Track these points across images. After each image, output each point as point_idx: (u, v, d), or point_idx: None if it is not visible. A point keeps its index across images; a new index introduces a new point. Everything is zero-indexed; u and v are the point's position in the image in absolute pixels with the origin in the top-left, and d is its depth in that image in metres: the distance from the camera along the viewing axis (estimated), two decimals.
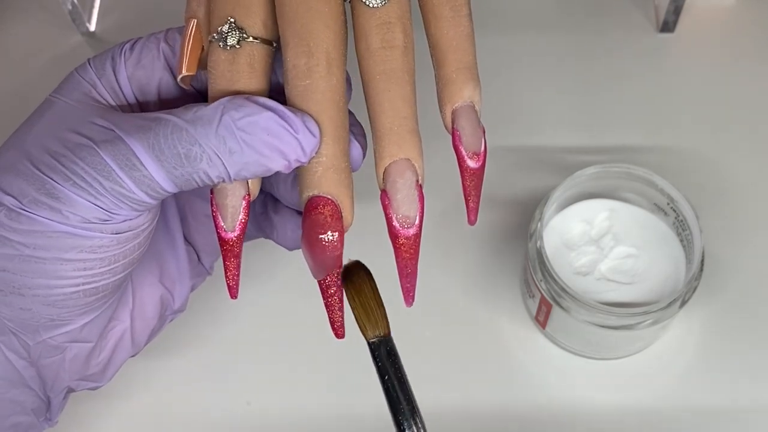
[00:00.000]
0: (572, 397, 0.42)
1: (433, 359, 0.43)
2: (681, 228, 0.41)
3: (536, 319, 0.42)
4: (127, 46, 0.29)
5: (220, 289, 0.40)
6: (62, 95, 0.28)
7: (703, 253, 0.39)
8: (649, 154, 0.48)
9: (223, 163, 0.25)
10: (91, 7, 0.54)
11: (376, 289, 0.28)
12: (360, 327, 0.28)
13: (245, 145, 0.25)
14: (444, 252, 0.45)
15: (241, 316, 0.44)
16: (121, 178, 0.25)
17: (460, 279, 0.45)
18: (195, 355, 0.43)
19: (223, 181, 0.26)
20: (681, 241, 0.41)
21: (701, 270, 0.39)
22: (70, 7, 0.52)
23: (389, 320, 0.28)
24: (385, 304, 0.28)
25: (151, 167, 0.25)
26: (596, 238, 0.42)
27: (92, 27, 0.54)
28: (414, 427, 0.27)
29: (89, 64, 0.29)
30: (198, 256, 0.34)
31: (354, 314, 0.28)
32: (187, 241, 0.33)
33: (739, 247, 0.45)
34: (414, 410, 0.28)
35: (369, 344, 0.28)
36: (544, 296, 0.40)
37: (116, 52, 0.29)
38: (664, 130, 0.49)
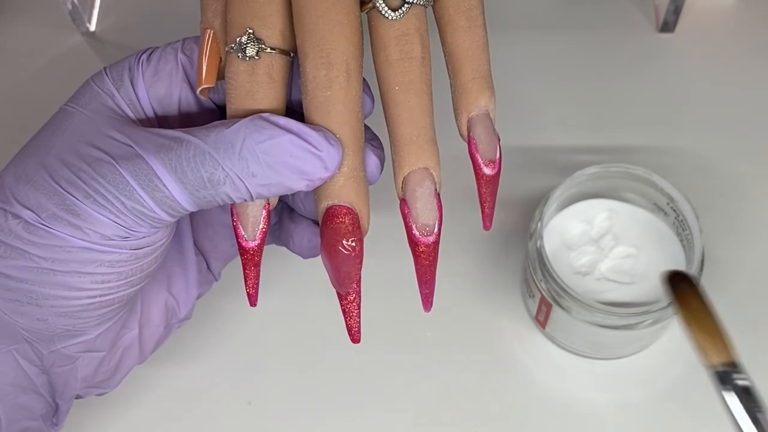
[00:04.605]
0: (572, 397, 0.42)
1: (433, 359, 0.43)
2: (681, 228, 0.41)
3: (536, 319, 0.42)
4: (144, 56, 0.28)
5: (223, 294, 0.40)
6: (80, 106, 0.27)
7: (703, 253, 0.39)
8: (649, 154, 0.48)
9: (246, 186, 0.25)
10: (91, 7, 0.54)
11: (711, 305, 0.25)
12: (701, 352, 0.25)
13: (268, 168, 0.25)
14: (444, 252, 0.45)
15: (243, 319, 0.44)
16: (142, 198, 0.25)
17: (461, 279, 0.45)
18: (195, 357, 0.43)
19: (245, 200, 0.26)
20: (681, 241, 0.41)
21: (701, 270, 0.39)
22: (70, 7, 0.52)
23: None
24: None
25: (172, 188, 0.25)
26: (596, 238, 0.42)
27: (92, 27, 0.54)
28: None
29: (105, 73, 0.28)
30: (207, 264, 0.34)
31: (692, 337, 0.25)
32: (197, 248, 0.33)
33: (739, 247, 0.45)
34: None
35: (717, 374, 0.26)
36: (544, 296, 0.40)
37: (133, 62, 0.28)
38: (664, 130, 0.49)
